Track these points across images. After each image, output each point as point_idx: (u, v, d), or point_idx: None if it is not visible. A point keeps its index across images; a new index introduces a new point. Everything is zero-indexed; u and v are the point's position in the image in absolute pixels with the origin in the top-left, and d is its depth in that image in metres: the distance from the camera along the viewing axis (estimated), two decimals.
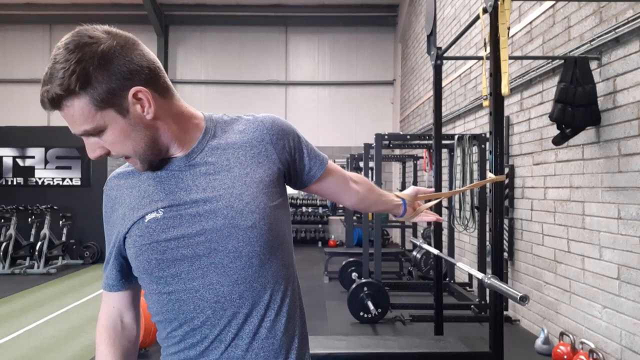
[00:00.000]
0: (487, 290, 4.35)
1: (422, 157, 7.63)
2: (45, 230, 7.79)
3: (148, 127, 0.91)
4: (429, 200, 1.45)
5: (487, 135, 2.77)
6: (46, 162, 8.98)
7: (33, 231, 8.03)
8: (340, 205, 8.84)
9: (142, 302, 1.14)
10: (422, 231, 8.03)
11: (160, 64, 0.94)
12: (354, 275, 6.19)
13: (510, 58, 3.42)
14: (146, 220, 0.95)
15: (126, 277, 1.06)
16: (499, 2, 2.42)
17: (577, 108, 3.41)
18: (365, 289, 4.81)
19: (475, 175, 5.06)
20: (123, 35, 0.88)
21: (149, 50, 0.93)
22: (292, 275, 1.05)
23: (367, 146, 6.24)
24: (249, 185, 0.97)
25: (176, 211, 0.95)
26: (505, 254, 4.95)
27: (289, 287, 1.02)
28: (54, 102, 0.84)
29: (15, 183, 8.98)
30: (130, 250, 0.98)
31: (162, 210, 0.95)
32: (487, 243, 4.38)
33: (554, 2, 4.13)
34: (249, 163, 0.99)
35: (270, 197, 0.99)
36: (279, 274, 0.99)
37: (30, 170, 8.99)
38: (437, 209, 3.49)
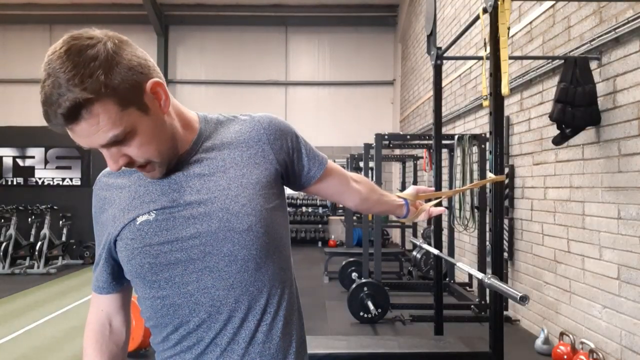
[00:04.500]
0: (487, 290, 4.35)
1: (422, 157, 7.63)
2: (45, 230, 7.78)
3: (165, 122, 0.88)
4: (430, 200, 1.44)
5: (487, 135, 2.77)
6: (46, 162, 8.98)
7: (33, 231, 8.03)
8: (340, 205, 8.85)
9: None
10: (422, 231, 8.03)
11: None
12: (354, 275, 6.19)
13: (510, 58, 3.41)
14: (138, 223, 0.92)
15: (117, 280, 1.03)
16: (499, 2, 2.42)
17: (577, 108, 3.41)
18: (365, 289, 4.81)
19: (475, 175, 5.06)
20: (115, 34, 0.84)
21: None
22: (290, 278, 1.02)
23: (367, 146, 6.24)
24: (245, 187, 0.93)
25: (169, 213, 0.91)
26: (505, 254, 4.95)
27: (286, 291, 0.99)
28: (73, 112, 0.75)
29: (15, 183, 8.98)
30: (121, 253, 0.95)
31: (154, 212, 0.91)
32: (487, 243, 4.38)
33: (554, 2, 4.13)
34: (246, 164, 0.95)
35: (267, 199, 0.95)
36: (275, 277, 0.96)
37: (30, 170, 8.99)
38: None
